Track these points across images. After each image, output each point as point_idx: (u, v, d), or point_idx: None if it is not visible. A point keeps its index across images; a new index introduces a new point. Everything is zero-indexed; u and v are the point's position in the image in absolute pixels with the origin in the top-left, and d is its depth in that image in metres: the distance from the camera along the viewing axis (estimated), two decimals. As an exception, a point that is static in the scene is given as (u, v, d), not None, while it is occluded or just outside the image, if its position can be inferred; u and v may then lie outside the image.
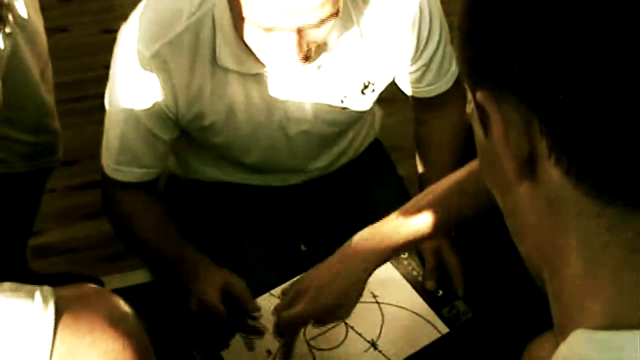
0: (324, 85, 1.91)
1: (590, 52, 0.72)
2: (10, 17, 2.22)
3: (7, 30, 2.20)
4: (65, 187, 3.32)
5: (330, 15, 1.65)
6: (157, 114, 1.87)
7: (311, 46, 1.71)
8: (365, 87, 1.95)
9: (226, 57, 1.81)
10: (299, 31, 1.65)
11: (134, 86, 1.84)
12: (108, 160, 1.96)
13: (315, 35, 1.69)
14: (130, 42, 1.81)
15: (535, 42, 0.75)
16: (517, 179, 0.82)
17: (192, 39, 1.80)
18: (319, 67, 1.87)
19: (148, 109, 1.86)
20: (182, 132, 1.95)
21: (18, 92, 2.34)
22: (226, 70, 1.83)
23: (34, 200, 2.66)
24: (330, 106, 1.95)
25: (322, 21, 1.65)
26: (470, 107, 0.86)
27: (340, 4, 1.68)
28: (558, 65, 0.74)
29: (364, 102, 1.98)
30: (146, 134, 1.90)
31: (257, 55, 1.75)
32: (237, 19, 1.71)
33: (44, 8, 2.52)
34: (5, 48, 2.25)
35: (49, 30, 2.53)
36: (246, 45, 1.76)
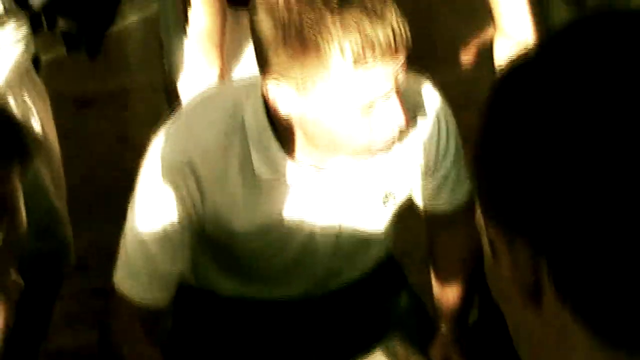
0: (352, 191, 1.93)
1: (597, 210, 0.74)
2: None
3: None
4: (76, 293, 3.32)
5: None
6: (184, 224, 1.86)
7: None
8: (387, 197, 1.97)
9: (261, 166, 1.83)
10: (397, 88, 1.69)
11: (161, 195, 1.84)
12: (123, 275, 1.91)
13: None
14: (162, 150, 1.83)
15: (545, 196, 0.76)
16: (522, 304, 0.83)
17: (222, 150, 1.82)
18: (354, 171, 1.89)
19: (174, 219, 1.85)
20: (205, 241, 1.94)
21: (31, 202, 2.35)
22: (258, 179, 1.84)
23: (46, 306, 2.67)
24: (353, 214, 1.97)
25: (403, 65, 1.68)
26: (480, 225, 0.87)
27: None
28: (568, 219, 0.75)
29: (384, 214, 2.01)
30: (169, 246, 1.87)
31: (352, 144, 1.75)
32: (293, 125, 1.75)
33: (60, 112, 2.56)
34: None
35: (65, 135, 2.57)
36: (285, 151, 1.80)
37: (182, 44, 2.69)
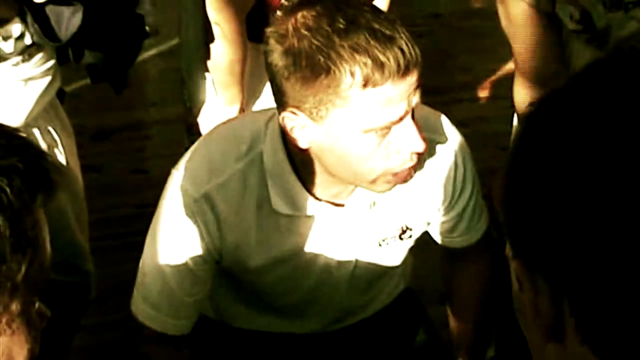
0: (370, 225, 1.93)
1: (620, 254, 0.74)
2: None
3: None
4: (95, 324, 3.32)
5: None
6: (202, 256, 1.87)
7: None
8: (404, 232, 1.98)
9: (279, 200, 1.83)
10: (411, 111, 1.69)
11: (180, 228, 1.85)
12: (142, 306, 1.93)
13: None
14: (179, 184, 1.84)
15: (566, 237, 0.77)
16: (544, 339, 0.83)
17: (240, 184, 1.82)
18: (370, 205, 1.90)
19: (192, 251, 1.86)
20: (222, 272, 1.95)
21: (54, 236, 2.36)
22: (275, 213, 1.85)
23: (66, 338, 2.67)
24: (372, 249, 1.97)
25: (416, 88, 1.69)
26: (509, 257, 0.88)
27: None
28: (590, 261, 0.75)
29: (401, 248, 2.01)
30: (187, 278, 1.88)
31: (370, 172, 1.73)
32: (311, 157, 1.75)
33: (79, 144, 2.58)
34: None
35: (82, 169, 2.58)
36: (303, 186, 1.80)
37: (203, 78, 2.71)
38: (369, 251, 1.97)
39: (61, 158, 2.37)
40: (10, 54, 2.10)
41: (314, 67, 1.63)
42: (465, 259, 2.14)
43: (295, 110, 1.69)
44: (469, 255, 2.12)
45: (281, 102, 1.72)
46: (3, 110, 2.10)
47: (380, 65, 1.61)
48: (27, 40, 2.11)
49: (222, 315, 2.15)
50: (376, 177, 1.74)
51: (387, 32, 1.62)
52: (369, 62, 1.61)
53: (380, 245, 1.97)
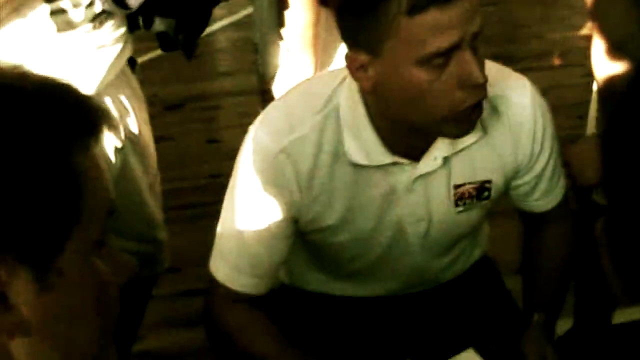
0: (445, 183, 1.91)
1: None
2: (122, 131, 2.29)
3: (119, 144, 2.26)
4: (169, 294, 3.34)
5: (481, 27, 1.67)
6: (281, 213, 1.86)
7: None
8: (481, 191, 1.94)
9: (355, 151, 1.82)
10: (471, 44, 1.66)
11: (259, 182, 1.85)
12: (222, 266, 1.93)
13: (480, 54, 1.69)
14: (258, 140, 1.85)
15: None
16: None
17: (318, 135, 1.82)
18: (444, 159, 1.87)
19: (272, 208, 1.85)
20: (298, 235, 1.94)
21: (127, 204, 2.38)
22: (350, 166, 1.84)
23: (138, 307, 2.68)
24: (447, 208, 1.94)
25: (480, 32, 1.66)
26: None
27: None
28: None
29: (478, 210, 1.98)
30: (267, 236, 1.88)
31: (432, 108, 1.71)
32: (380, 102, 1.75)
33: (152, 114, 2.58)
34: (116, 162, 2.30)
35: (154, 139, 2.58)
36: (378, 137, 1.79)
37: (277, 45, 2.71)
38: (444, 211, 1.94)
39: (133, 126, 2.37)
40: (81, 21, 2.10)
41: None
42: (544, 225, 2.10)
43: (355, 48, 1.69)
44: (548, 221, 2.08)
45: (346, 44, 1.73)
46: (75, 78, 2.08)
47: None
48: (97, 7, 2.12)
49: (297, 280, 2.15)
50: (441, 117, 1.71)
51: None
52: None
53: (457, 205, 1.93)
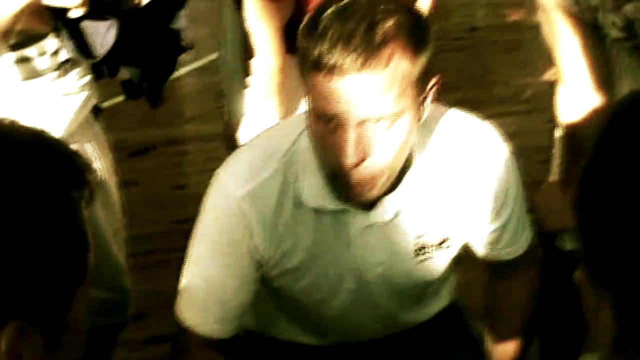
0: (402, 233, 1.91)
1: None
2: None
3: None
4: (135, 341, 3.32)
5: (392, 115, 1.68)
6: (246, 257, 1.87)
7: (371, 160, 1.72)
8: (442, 242, 1.95)
9: (309, 194, 1.84)
10: (357, 126, 1.68)
11: (223, 227, 1.87)
12: (188, 310, 1.93)
13: (372, 138, 1.70)
14: (223, 183, 1.87)
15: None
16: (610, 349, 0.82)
17: (280, 181, 1.84)
18: (395, 213, 1.88)
19: (237, 252, 1.87)
20: (264, 281, 1.94)
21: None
22: (311, 211, 1.85)
23: (104, 354, 2.67)
24: (408, 257, 1.95)
25: (382, 119, 1.67)
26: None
27: (408, 113, 1.71)
28: None
29: (441, 259, 1.98)
30: (232, 280, 1.89)
31: (319, 157, 1.78)
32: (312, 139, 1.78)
33: (117, 159, 2.58)
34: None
35: (121, 184, 2.58)
36: (329, 182, 1.80)
37: (242, 92, 2.72)
38: (405, 260, 1.94)
39: (99, 174, 2.36)
40: (46, 69, 2.10)
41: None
42: (509, 274, 2.10)
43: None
44: (513, 269, 2.09)
45: None
46: (40, 125, 2.10)
47: (320, 55, 1.64)
48: (63, 56, 2.11)
49: (265, 327, 2.14)
50: (332, 173, 1.76)
51: (349, 28, 1.63)
52: (323, 47, 1.63)
53: (418, 254, 1.94)
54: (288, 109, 2.67)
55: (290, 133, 1.88)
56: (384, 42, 1.64)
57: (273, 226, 1.86)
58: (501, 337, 2.13)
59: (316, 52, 1.65)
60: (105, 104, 3.16)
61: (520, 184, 1.97)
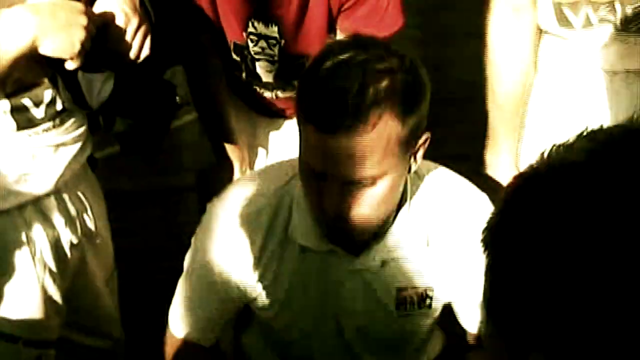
0: (385, 284, 1.93)
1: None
2: (78, 227, 2.30)
3: (75, 240, 2.26)
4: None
5: (377, 175, 1.69)
6: (231, 281, 1.94)
7: (355, 212, 1.74)
8: (422, 298, 1.95)
9: (298, 232, 1.87)
10: (343, 183, 1.70)
11: (212, 250, 1.93)
12: (174, 318, 2.07)
13: (357, 194, 1.72)
14: (214, 214, 1.94)
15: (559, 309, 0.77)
16: None
17: (272, 212, 1.89)
18: (382, 262, 1.88)
19: (223, 274, 1.93)
20: (248, 315, 2.03)
21: (84, 300, 2.39)
22: (295, 245, 1.89)
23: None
24: (387, 310, 1.95)
25: (366, 178, 1.69)
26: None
27: (394, 170, 1.73)
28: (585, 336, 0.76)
29: (421, 318, 1.98)
30: (214, 301, 1.99)
31: (308, 200, 1.81)
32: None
33: (113, 209, 2.58)
34: (72, 258, 2.30)
35: (115, 233, 2.58)
36: (318, 224, 1.84)
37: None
38: (384, 312, 1.95)
39: (90, 223, 2.37)
40: (42, 119, 2.11)
41: None
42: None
43: None
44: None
45: None
46: (33, 175, 2.11)
47: (312, 109, 1.68)
48: (58, 106, 2.13)
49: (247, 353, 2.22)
50: (324, 219, 1.79)
51: (342, 87, 1.65)
52: (316, 103, 1.67)
53: (398, 309, 1.94)
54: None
55: (286, 172, 1.93)
56: (373, 105, 1.64)
57: (259, 255, 1.90)
58: None
59: (309, 105, 1.67)
60: (102, 153, 3.17)
61: None
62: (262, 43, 2.47)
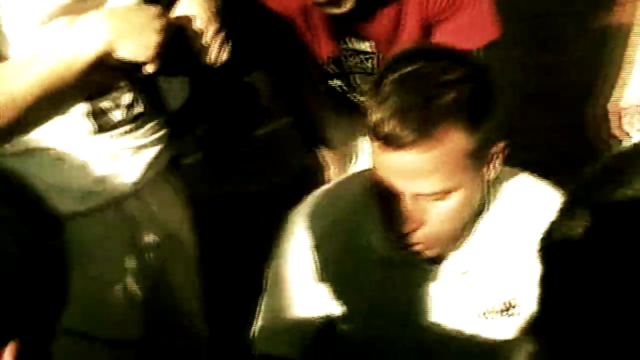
0: (466, 292, 1.91)
1: None
2: (159, 229, 2.32)
3: (154, 242, 2.28)
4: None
5: (446, 190, 1.68)
6: (311, 294, 1.95)
7: (425, 231, 1.74)
8: (507, 308, 1.93)
9: (377, 243, 1.87)
10: (412, 198, 1.69)
11: (298, 266, 1.94)
12: (260, 334, 2.05)
13: (426, 210, 1.72)
14: (294, 222, 1.94)
15: None
16: None
17: (350, 226, 1.90)
18: (464, 271, 1.87)
19: (306, 286, 1.94)
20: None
21: (165, 300, 2.43)
22: (375, 256, 1.88)
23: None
24: (469, 319, 1.94)
25: (435, 194, 1.68)
26: None
27: (465, 185, 1.71)
28: None
29: (506, 327, 1.95)
30: (306, 306, 1.98)
31: (383, 216, 1.80)
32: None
33: (198, 212, 2.61)
34: (152, 258, 2.34)
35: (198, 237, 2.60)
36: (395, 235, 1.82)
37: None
38: (468, 322, 1.93)
39: (171, 226, 2.40)
40: (121, 122, 2.14)
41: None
42: None
43: None
44: None
45: None
46: (113, 177, 2.14)
47: (378, 123, 1.65)
48: (138, 109, 2.16)
49: None
50: (396, 232, 1.77)
51: (407, 101, 1.63)
52: (381, 115, 1.64)
53: (480, 317, 1.93)
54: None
55: (366, 181, 1.90)
56: (438, 120, 1.62)
57: (339, 266, 1.91)
58: None
59: (375, 118, 1.65)
60: (188, 159, 3.20)
61: None
62: (356, 58, 2.48)
